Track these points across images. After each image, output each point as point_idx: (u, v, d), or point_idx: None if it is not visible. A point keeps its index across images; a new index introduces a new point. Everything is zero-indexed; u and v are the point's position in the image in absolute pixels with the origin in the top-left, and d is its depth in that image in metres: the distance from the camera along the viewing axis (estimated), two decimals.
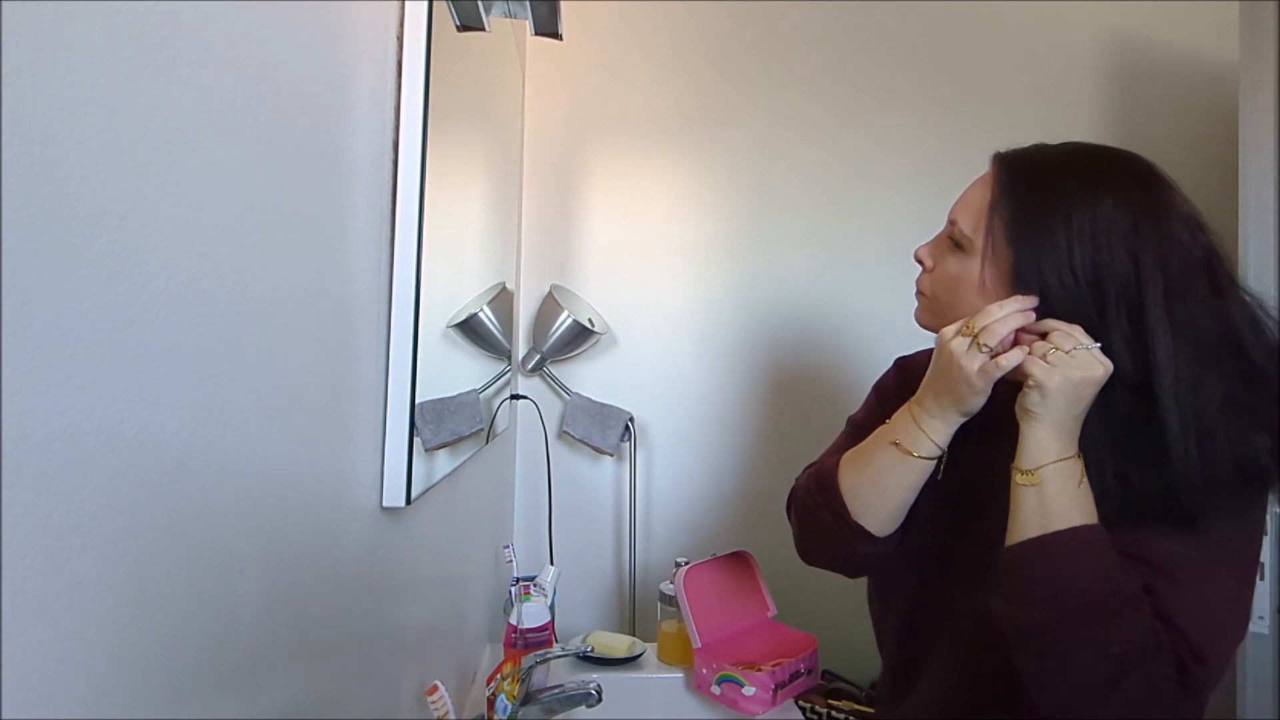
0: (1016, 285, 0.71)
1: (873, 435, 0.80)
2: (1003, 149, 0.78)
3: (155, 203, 0.37)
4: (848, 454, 0.81)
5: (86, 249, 0.32)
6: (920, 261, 0.83)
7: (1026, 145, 0.77)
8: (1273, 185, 1.36)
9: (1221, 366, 0.66)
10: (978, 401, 0.72)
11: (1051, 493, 0.67)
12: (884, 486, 0.77)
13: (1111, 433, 0.68)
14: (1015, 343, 0.70)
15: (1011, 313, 0.69)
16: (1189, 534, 0.67)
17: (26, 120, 0.29)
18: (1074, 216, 0.68)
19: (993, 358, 0.69)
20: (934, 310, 0.81)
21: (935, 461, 0.75)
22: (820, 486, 0.82)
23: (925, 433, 0.74)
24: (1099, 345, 0.67)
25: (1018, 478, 0.69)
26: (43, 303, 0.30)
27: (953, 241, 0.77)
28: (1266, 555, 1.29)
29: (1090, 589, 0.65)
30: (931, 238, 0.83)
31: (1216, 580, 0.67)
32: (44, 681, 0.30)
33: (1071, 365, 0.66)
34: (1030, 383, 0.68)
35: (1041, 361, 0.67)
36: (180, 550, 0.40)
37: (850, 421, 0.97)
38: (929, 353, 0.89)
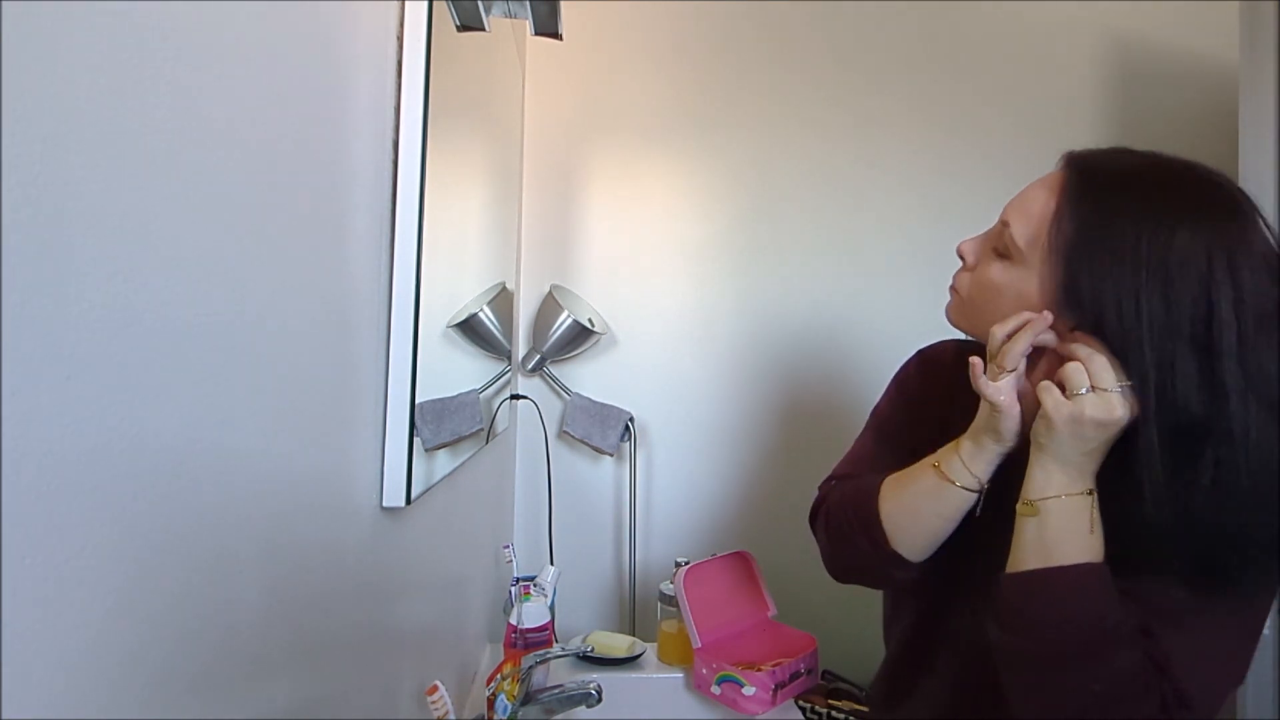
0: (1067, 307, 0.65)
1: (918, 464, 0.77)
2: (1077, 148, 0.71)
3: (155, 203, 0.37)
4: (889, 480, 0.78)
5: (86, 249, 0.32)
6: (962, 257, 0.77)
7: (1104, 147, 0.70)
8: (1273, 185, 1.36)
9: None
10: (1008, 427, 0.69)
11: (1052, 526, 0.66)
12: (923, 514, 0.75)
13: (1143, 475, 0.62)
14: (1051, 364, 0.68)
15: (1015, 330, 0.67)
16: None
17: (26, 120, 0.29)
18: (1144, 241, 0.61)
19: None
20: (966, 313, 0.76)
21: (975, 494, 0.72)
22: (858, 511, 0.79)
23: (964, 461, 0.72)
24: (1124, 386, 0.62)
25: (1020, 507, 0.68)
26: (43, 303, 0.30)
27: (1002, 245, 0.71)
28: None
29: (1080, 629, 0.64)
30: (979, 233, 0.77)
31: (1220, 630, 0.65)
32: (44, 681, 0.30)
33: (1087, 402, 0.62)
34: (1041, 412, 0.65)
35: (1056, 391, 0.64)
36: (180, 550, 0.40)
37: (874, 414, 0.93)
38: (952, 343, 0.88)
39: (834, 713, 1.47)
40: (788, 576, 1.53)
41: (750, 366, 1.83)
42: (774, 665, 1.27)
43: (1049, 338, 0.67)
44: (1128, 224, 0.63)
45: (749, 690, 1.23)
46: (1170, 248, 0.61)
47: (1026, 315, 0.67)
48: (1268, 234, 0.64)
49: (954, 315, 0.78)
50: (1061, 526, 0.65)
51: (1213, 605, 0.65)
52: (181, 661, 0.40)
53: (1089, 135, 1.88)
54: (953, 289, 0.78)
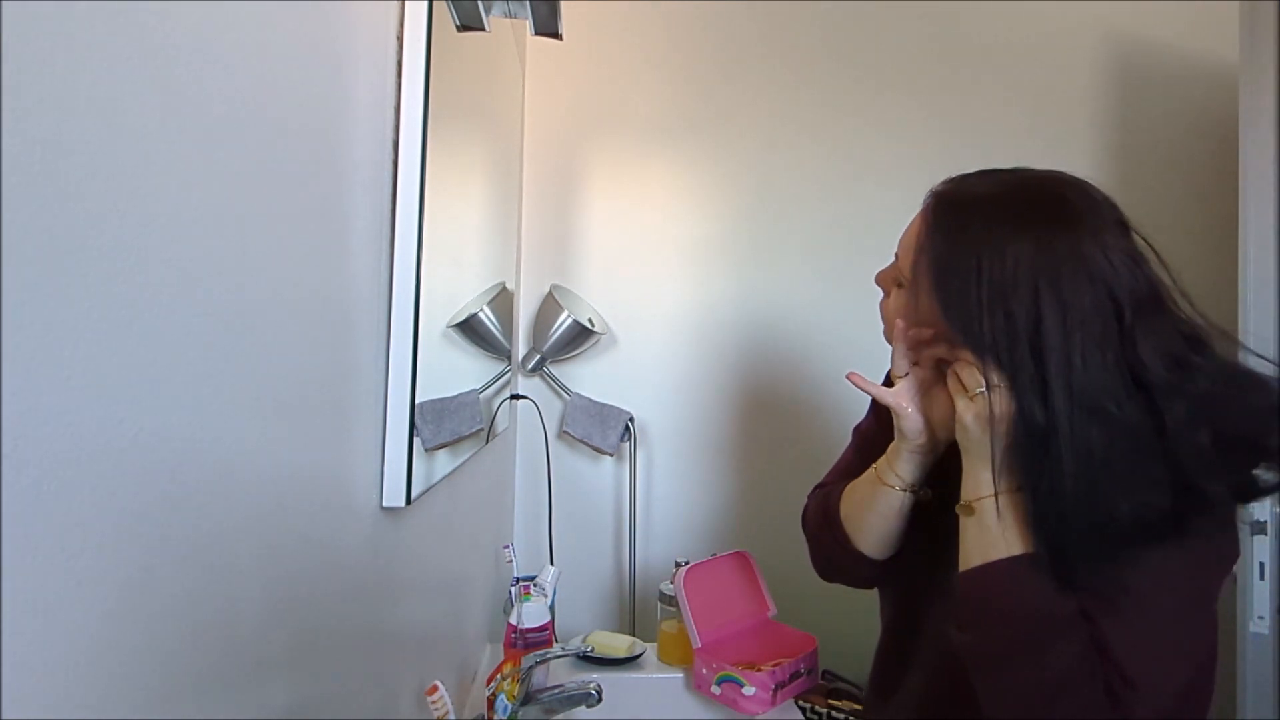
0: (948, 328, 0.70)
1: (867, 470, 0.86)
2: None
3: (155, 203, 0.37)
4: (847, 486, 0.88)
5: (87, 249, 0.32)
6: (879, 286, 0.85)
7: (970, 172, 0.75)
8: (1273, 185, 1.36)
9: (1118, 423, 0.63)
10: (907, 427, 0.78)
11: (988, 525, 0.70)
12: (869, 514, 0.84)
13: (1026, 479, 0.68)
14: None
15: (899, 339, 0.77)
16: (1133, 562, 0.66)
17: (27, 120, 0.29)
18: (984, 260, 0.67)
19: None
20: (889, 335, 0.82)
21: (903, 493, 0.80)
22: (825, 514, 0.90)
23: (889, 463, 0.81)
24: (981, 389, 0.67)
25: (959, 509, 0.73)
26: (43, 303, 0.30)
27: (896, 275, 0.79)
28: (1266, 555, 1.29)
29: (1021, 618, 0.67)
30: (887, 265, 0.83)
31: (1156, 607, 0.67)
32: (44, 681, 0.30)
33: (993, 398, 0.68)
34: (956, 416, 0.71)
35: (964, 396, 0.69)
36: (180, 550, 0.40)
37: (855, 431, 1.01)
38: None
39: (834, 713, 1.47)
40: (788, 576, 1.52)
41: (750, 366, 1.83)
42: (774, 665, 1.27)
43: (942, 350, 0.74)
44: (969, 247, 0.68)
45: (749, 690, 1.23)
46: (1004, 264, 0.66)
47: (899, 325, 0.77)
48: (1116, 240, 0.67)
49: (887, 338, 0.84)
50: (994, 524, 0.70)
51: (1147, 582, 0.66)
52: (181, 661, 0.40)
53: (1089, 135, 1.89)
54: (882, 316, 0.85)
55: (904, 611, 0.89)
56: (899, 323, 0.77)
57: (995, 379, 0.67)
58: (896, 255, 0.79)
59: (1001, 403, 0.67)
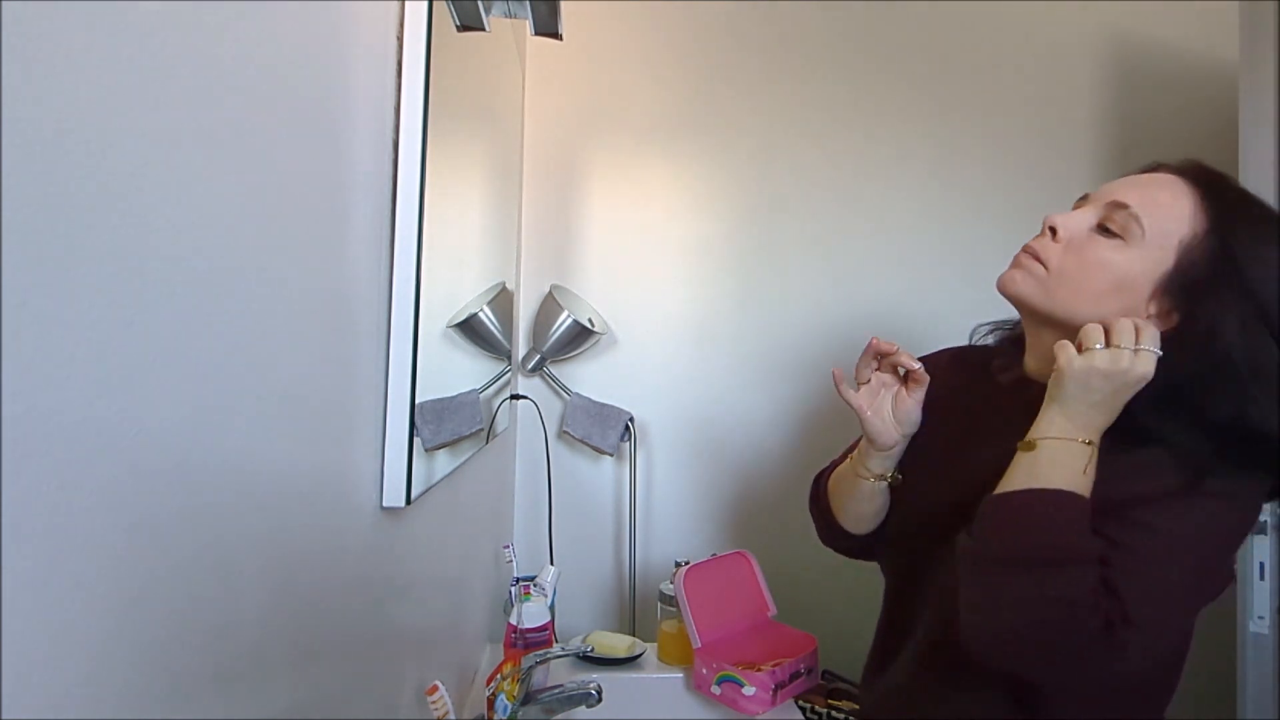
0: (1167, 294, 0.72)
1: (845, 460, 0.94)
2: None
3: (155, 203, 0.37)
4: (835, 470, 0.97)
5: (87, 249, 0.32)
6: (1053, 230, 0.77)
7: (1190, 159, 0.79)
8: (1273, 185, 1.36)
9: None
10: (869, 430, 0.85)
11: (1043, 460, 0.71)
12: (846, 499, 0.92)
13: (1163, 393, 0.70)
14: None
15: (865, 353, 0.85)
16: (1162, 511, 0.69)
17: (27, 120, 0.29)
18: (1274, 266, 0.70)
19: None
20: (1047, 286, 0.77)
21: (872, 483, 0.88)
22: (816, 491, 1.00)
23: (862, 460, 0.88)
24: (1142, 349, 0.68)
25: (1019, 446, 0.73)
26: (43, 302, 0.30)
27: (1109, 228, 0.74)
28: (1266, 555, 1.29)
29: (1046, 545, 0.68)
30: (1074, 210, 0.79)
31: (1172, 559, 0.69)
32: (43, 681, 0.30)
33: (1098, 356, 0.68)
34: (1055, 367, 0.71)
35: (1070, 348, 0.70)
36: (180, 549, 0.40)
37: None
38: (947, 352, 0.97)
39: (834, 713, 1.46)
40: (788, 576, 1.53)
41: (750, 366, 1.83)
42: (774, 665, 1.27)
43: (904, 359, 0.83)
44: (1268, 252, 0.71)
45: (749, 690, 1.23)
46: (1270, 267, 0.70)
47: (871, 340, 0.85)
48: None
49: (1027, 287, 0.78)
50: (1053, 461, 0.71)
51: (1169, 532, 0.69)
52: (180, 661, 0.40)
53: (1089, 135, 1.89)
54: (1031, 259, 0.78)
55: (902, 583, 0.91)
56: (873, 339, 0.85)
57: (1134, 340, 0.69)
58: (1122, 204, 0.74)
59: (1138, 363, 0.68)
